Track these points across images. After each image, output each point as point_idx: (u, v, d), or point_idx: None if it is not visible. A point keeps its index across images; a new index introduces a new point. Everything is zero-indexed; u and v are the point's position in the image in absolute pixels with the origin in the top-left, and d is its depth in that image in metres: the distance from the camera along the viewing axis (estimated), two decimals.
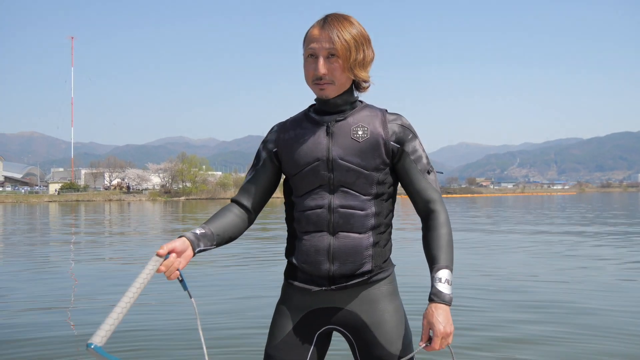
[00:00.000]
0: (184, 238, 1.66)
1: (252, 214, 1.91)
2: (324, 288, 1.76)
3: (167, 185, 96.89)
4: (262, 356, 1.87)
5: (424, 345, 1.67)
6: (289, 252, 1.87)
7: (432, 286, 1.70)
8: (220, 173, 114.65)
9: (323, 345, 1.87)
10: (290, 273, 1.85)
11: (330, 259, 1.73)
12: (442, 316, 1.65)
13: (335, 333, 1.87)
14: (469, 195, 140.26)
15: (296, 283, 1.81)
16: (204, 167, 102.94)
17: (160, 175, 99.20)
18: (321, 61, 1.73)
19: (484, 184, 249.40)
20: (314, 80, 1.75)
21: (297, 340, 1.81)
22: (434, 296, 1.67)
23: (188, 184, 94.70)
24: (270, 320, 1.88)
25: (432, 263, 1.73)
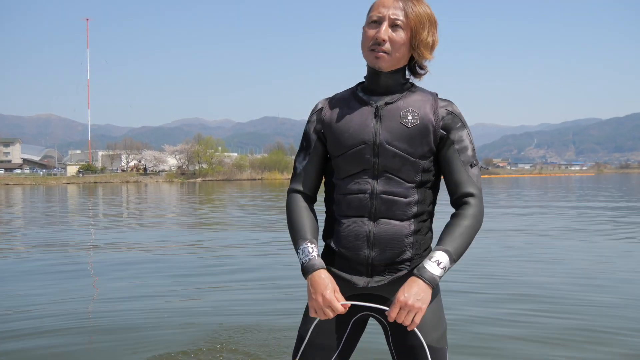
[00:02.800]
0: (326, 272, 1.70)
1: (314, 200, 1.89)
2: (360, 284, 1.73)
3: (184, 166, 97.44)
4: (295, 337, 1.85)
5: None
6: (327, 235, 1.82)
7: (421, 262, 1.66)
8: (236, 154, 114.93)
9: (358, 331, 1.85)
10: (328, 258, 1.79)
11: (370, 246, 1.69)
12: (413, 289, 1.59)
13: (370, 320, 1.84)
14: (485, 176, 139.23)
15: (334, 269, 1.76)
16: (220, 148, 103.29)
17: (177, 156, 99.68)
18: (384, 26, 1.65)
19: (500, 164, 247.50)
20: (372, 46, 1.68)
21: (332, 324, 1.78)
22: (416, 270, 1.63)
23: (204, 166, 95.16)
24: (304, 302, 1.82)
25: (436, 244, 1.69)
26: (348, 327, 1.80)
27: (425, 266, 1.62)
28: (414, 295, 1.57)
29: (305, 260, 1.70)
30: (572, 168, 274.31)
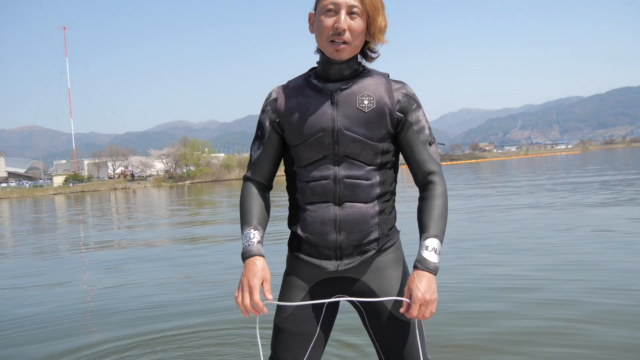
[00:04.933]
0: (262, 260, 1.70)
1: (270, 188, 1.91)
2: (331, 268, 1.74)
3: (171, 170, 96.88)
4: (272, 328, 1.85)
5: (405, 311, 1.66)
6: (292, 223, 1.83)
7: (419, 253, 1.68)
8: (223, 155, 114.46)
9: (332, 314, 1.86)
10: (295, 245, 1.82)
11: (337, 230, 1.71)
12: (423, 283, 1.62)
13: (342, 302, 1.85)
14: (473, 160, 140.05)
15: (302, 256, 1.79)
16: (206, 149, 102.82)
17: (164, 160, 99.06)
18: (343, 15, 1.65)
19: (487, 148, 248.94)
20: (331, 37, 1.66)
21: (306, 311, 1.79)
22: (419, 263, 1.65)
23: (192, 168, 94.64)
24: (277, 293, 1.84)
25: (422, 231, 1.71)
26: (322, 312, 1.82)
27: (426, 257, 1.65)
28: (428, 290, 1.61)
29: (245, 245, 1.73)
30: (558, 147, 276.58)
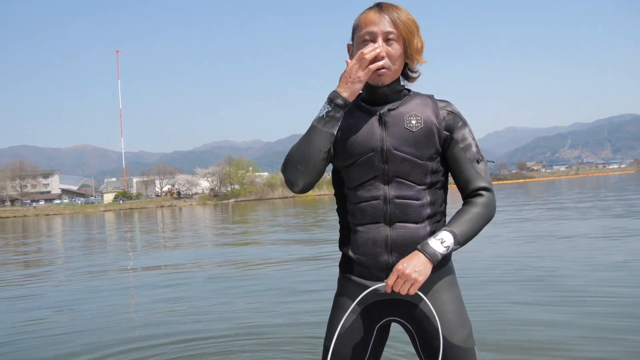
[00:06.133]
0: None
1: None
2: (382, 290, 1.72)
3: (216, 188, 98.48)
4: (322, 350, 1.84)
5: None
6: (343, 244, 1.84)
7: (425, 241, 1.69)
8: (267, 174, 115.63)
9: (382, 337, 1.85)
10: (347, 266, 1.82)
11: (388, 250, 1.72)
12: (412, 260, 1.63)
13: (394, 324, 1.84)
14: (520, 180, 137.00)
15: (353, 277, 1.79)
16: (250, 168, 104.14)
17: (209, 179, 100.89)
18: (380, 43, 1.69)
19: (535, 167, 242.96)
20: (372, 64, 1.69)
21: (356, 333, 1.78)
22: (420, 245, 1.67)
23: (236, 186, 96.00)
24: (327, 314, 1.85)
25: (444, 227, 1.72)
26: (373, 334, 1.80)
27: (429, 242, 1.65)
28: (412, 266, 1.61)
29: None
30: (610, 167, 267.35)
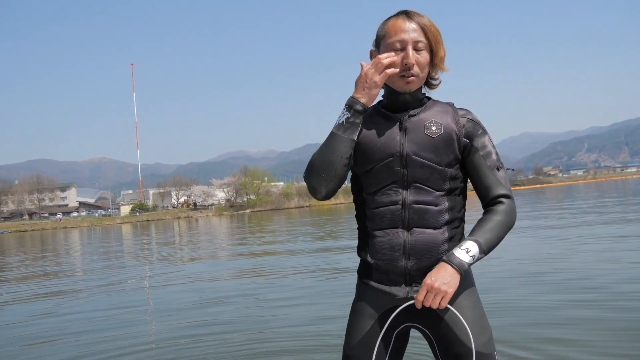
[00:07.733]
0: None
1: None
2: (400, 295, 1.74)
3: (232, 199, 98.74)
4: (341, 356, 1.86)
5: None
6: (361, 250, 1.85)
7: (451, 251, 1.69)
8: (282, 183, 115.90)
9: (402, 343, 1.85)
10: (365, 272, 1.83)
11: (407, 255, 1.73)
12: (439, 272, 1.63)
13: (413, 330, 1.85)
14: (537, 185, 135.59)
15: (372, 283, 1.80)
16: (266, 178, 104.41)
17: (225, 189, 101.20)
18: (410, 51, 1.71)
19: (551, 172, 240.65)
20: (402, 72, 1.72)
21: (375, 339, 1.78)
22: (445, 256, 1.67)
23: (252, 197, 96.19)
24: (346, 320, 1.88)
25: (467, 236, 1.72)
26: (391, 341, 1.80)
27: (455, 253, 1.65)
28: (440, 278, 1.61)
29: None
30: (629, 170, 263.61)
